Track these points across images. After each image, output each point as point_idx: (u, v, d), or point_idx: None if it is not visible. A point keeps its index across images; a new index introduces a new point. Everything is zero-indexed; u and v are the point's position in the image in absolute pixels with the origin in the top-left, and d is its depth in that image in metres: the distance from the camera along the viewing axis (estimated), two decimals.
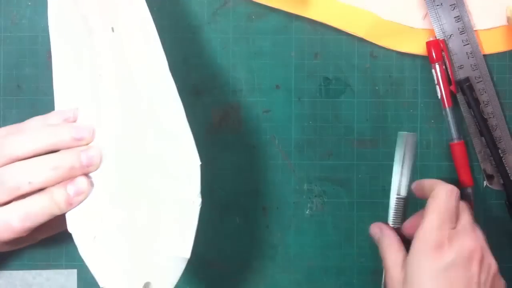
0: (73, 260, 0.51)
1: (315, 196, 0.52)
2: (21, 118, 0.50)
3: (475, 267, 0.41)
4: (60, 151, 0.41)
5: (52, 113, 0.43)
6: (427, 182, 0.47)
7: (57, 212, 0.40)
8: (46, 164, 0.40)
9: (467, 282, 0.41)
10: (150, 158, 0.42)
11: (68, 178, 0.40)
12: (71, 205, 0.40)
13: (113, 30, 0.44)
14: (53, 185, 0.40)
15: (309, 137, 0.52)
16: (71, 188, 0.40)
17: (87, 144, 0.41)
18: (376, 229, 0.48)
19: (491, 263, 0.43)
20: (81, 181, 0.41)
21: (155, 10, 0.51)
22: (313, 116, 0.52)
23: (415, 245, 0.43)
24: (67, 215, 0.41)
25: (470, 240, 0.42)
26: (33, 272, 0.51)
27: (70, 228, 0.41)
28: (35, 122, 0.43)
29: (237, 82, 0.51)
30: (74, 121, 0.42)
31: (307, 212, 0.52)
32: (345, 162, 0.52)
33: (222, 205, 0.52)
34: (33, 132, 0.41)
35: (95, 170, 0.41)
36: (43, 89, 0.51)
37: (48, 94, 0.51)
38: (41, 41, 0.51)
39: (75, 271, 0.51)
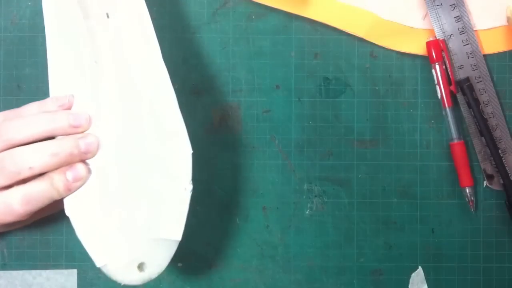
0: (73, 260, 0.51)
1: (315, 196, 0.52)
2: None
3: None
4: (59, 138, 0.42)
5: (48, 99, 0.43)
6: None
7: (56, 196, 0.42)
8: (46, 150, 0.41)
9: None
10: (144, 148, 0.43)
11: (66, 164, 0.42)
12: (69, 190, 0.42)
13: (108, 16, 0.44)
14: (52, 170, 0.41)
15: (309, 137, 0.52)
16: (70, 174, 0.41)
17: (83, 131, 0.42)
18: None
19: None
20: (80, 168, 0.42)
21: (155, 10, 0.51)
22: (313, 116, 0.52)
23: None
24: (65, 200, 0.42)
25: None
26: (33, 272, 0.51)
27: (68, 212, 0.42)
28: (32, 108, 0.44)
29: (237, 82, 0.51)
30: (69, 108, 0.43)
31: (307, 212, 0.52)
32: (345, 162, 0.52)
33: (222, 205, 0.52)
34: (31, 118, 0.42)
35: (92, 157, 0.42)
36: (43, 89, 0.51)
37: (48, 94, 0.51)
38: (41, 41, 0.51)
39: (75, 271, 0.51)
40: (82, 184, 0.42)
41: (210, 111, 0.51)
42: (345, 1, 0.50)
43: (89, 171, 0.42)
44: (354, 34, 0.51)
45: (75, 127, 0.42)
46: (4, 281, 0.51)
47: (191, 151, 0.43)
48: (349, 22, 0.51)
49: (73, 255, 0.51)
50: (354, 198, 0.52)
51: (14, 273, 0.51)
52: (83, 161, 0.42)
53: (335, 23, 0.51)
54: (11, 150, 0.41)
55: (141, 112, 0.44)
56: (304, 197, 0.52)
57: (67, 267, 0.51)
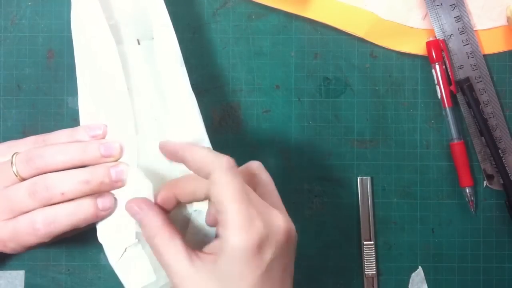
0: (73, 260, 0.51)
1: (315, 196, 0.52)
2: (21, 118, 0.51)
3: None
4: (91, 166, 0.42)
5: (80, 127, 0.43)
6: (190, 153, 0.39)
7: (82, 223, 0.41)
8: (78, 177, 0.41)
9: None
10: (173, 176, 0.44)
11: (98, 191, 0.42)
12: (96, 218, 0.42)
13: (139, 43, 0.44)
14: (82, 197, 0.41)
15: (309, 137, 0.52)
16: (99, 202, 0.41)
17: (116, 161, 0.42)
18: (133, 206, 0.40)
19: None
20: (109, 198, 0.42)
21: None
22: (313, 116, 0.52)
23: (227, 251, 0.35)
24: (98, 227, 0.42)
25: (284, 225, 0.37)
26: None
27: (101, 238, 0.42)
28: (63, 135, 0.43)
29: (237, 82, 0.51)
30: (103, 138, 0.43)
31: (307, 212, 0.52)
32: (345, 162, 0.52)
33: None
34: (62, 146, 0.42)
35: (123, 186, 0.42)
36: (43, 89, 0.51)
37: (48, 94, 0.51)
38: (41, 41, 0.51)
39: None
40: (109, 215, 0.42)
41: (210, 111, 0.51)
42: (345, 1, 0.50)
43: (116, 202, 0.42)
44: (354, 34, 0.51)
45: (106, 157, 0.42)
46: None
47: None
48: (349, 22, 0.51)
49: (73, 255, 0.51)
50: (354, 198, 0.52)
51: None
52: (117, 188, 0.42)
53: (335, 23, 0.51)
54: (43, 175, 0.41)
55: (170, 139, 0.44)
56: (304, 197, 0.52)
57: (67, 267, 0.51)
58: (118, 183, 0.42)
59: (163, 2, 0.44)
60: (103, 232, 0.42)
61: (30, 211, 0.41)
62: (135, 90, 0.44)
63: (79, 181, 0.41)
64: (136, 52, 0.45)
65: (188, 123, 0.43)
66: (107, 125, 0.43)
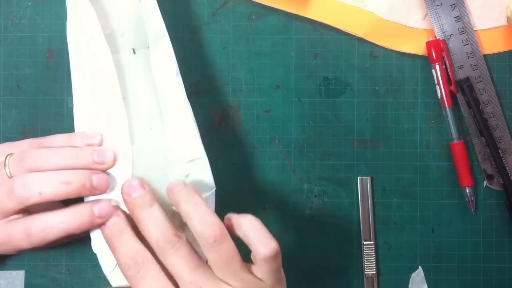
0: (73, 260, 0.51)
1: (315, 196, 0.52)
2: (21, 118, 0.51)
3: None
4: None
5: (77, 134, 0.43)
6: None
7: (76, 230, 0.41)
8: (57, 177, 0.40)
9: None
10: (167, 183, 0.43)
11: (77, 195, 0.41)
12: (92, 225, 0.41)
13: (134, 52, 0.44)
14: (63, 199, 0.41)
15: (309, 137, 0.52)
16: (96, 209, 0.40)
17: (108, 168, 0.42)
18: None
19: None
20: (106, 205, 0.41)
21: None
22: (313, 116, 0.52)
23: None
24: (92, 236, 0.42)
25: None
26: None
27: (95, 248, 0.42)
28: (59, 140, 0.43)
29: (237, 82, 0.51)
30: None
31: (307, 212, 0.52)
32: (345, 162, 0.52)
33: (222, 205, 0.52)
34: (55, 150, 0.42)
35: (100, 194, 0.41)
36: (43, 89, 0.51)
37: (48, 94, 0.51)
38: (41, 41, 0.51)
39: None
40: (104, 222, 0.41)
41: (210, 111, 0.51)
42: (345, 1, 0.50)
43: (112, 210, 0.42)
44: (354, 34, 0.51)
45: (98, 163, 0.41)
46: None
47: (214, 188, 0.44)
48: (349, 22, 0.51)
49: (73, 255, 0.51)
50: (354, 198, 0.52)
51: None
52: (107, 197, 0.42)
53: (335, 23, 0.51)
54: (23, 174, 0.40)
55: (166, 149, 0.44)
56: (304, 197, 0.52)
57: (68, 267, 0.51)
58: (96, 191, 0.41)
59: (158, 11, 0.44)
60: (97, 242, 0.42)
61: (9, 210, 0.40)
62: (131, 99, 0.44)
63: (60, 181, 0.40)
64: (132, 61, 0.45)
65: (183, 133, 0.43)
66: (102, 134, 0.43)
